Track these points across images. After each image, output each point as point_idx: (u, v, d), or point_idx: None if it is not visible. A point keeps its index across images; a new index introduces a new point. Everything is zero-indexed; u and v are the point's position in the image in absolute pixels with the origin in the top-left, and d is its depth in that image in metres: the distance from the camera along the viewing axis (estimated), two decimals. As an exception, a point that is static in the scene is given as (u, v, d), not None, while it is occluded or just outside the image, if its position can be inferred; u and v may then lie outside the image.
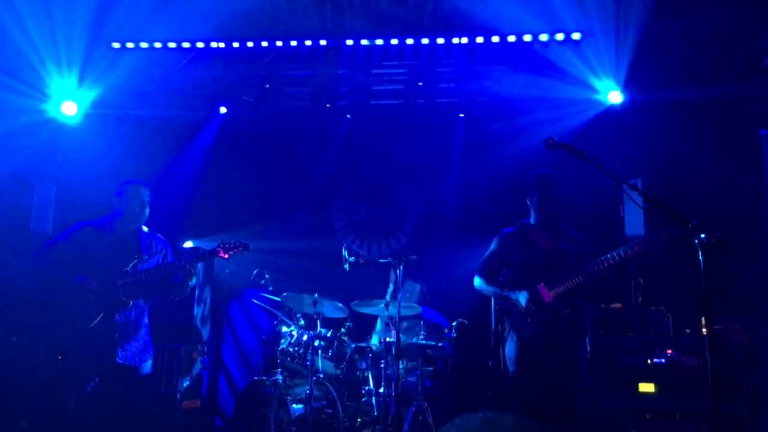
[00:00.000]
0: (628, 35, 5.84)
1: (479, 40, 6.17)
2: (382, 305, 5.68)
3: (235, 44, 6.38)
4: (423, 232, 7.58)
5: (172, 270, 4.52)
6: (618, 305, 5.66)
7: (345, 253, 5.56)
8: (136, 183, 4.66)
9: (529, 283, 4.32)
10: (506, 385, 4.51)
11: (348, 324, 6.11)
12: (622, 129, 6.28)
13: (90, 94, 6.51)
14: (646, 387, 5.03)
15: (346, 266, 5.51)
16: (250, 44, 6.38)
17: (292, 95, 7.13)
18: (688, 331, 5.24)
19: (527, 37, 6.07)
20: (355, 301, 5.93)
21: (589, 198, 5.94)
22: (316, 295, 5.73)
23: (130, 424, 4.33)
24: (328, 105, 6.98)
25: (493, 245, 4.66)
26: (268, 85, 6.92)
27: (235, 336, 7.39)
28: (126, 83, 6.42)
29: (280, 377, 5.65)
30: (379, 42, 6.32)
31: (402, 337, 5.31)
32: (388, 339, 5.60)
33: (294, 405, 5.59)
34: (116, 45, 6.27)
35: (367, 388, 5.84)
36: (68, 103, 6.49)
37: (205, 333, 6.67)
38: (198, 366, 6.24)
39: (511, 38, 6.10)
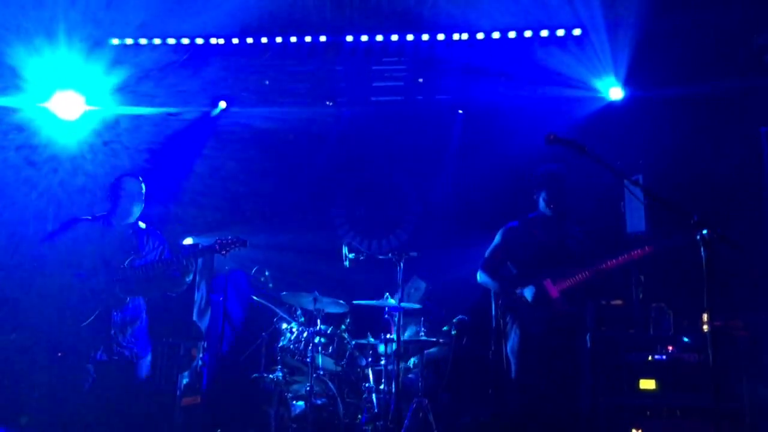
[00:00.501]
0: (628, 31, 5.83)
1: (480, 36, 6.15)
2: (383, 302, 5.67)
3: (235, 40, 6.37)
4: (423, 228, 7.57)
5: (169, 266, 4.50)
6: (619, 302, 5.65)
7: (345, 249, 5.55)
8: (129, 176, 4.64)
9: (534, 278, 4.30)
10: (507, 382, 4.50)
11: (348, 321, 6.10)
12: (623, 125, 6.27)
13: (89, 91, 6.48)
14: (647, 384, 5.02)
15: (346, 263, 5.51)
16: (249, 40, 6.36)
17: (291, 91, 7.12)
18: (685, 322, 5.23)
19: (528, 33, 6.06)
20: (356, 298, 5.92)
21: (590, 194, 5.93)
22: (316, 292, 5.73)
23: (129, 420, 4.32)
24: (328, 103, 6.96)
25: (497, 239, 4.65)
26: (267, 82, 6.91)
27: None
28: (126, 79, 6.39)
29: (281, 374, 5.65)
30: (380, 38, 6.31)
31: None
32: (388, 336, 5.60)
33: (294, 402, 5.59)
34: (115, 41, 6.25)
35: (367, 384, 5.83)
36: (69, 98, 6.46)
37: (203, 328, 6.65)
38: (198, 362, 6.23)
39: (512, 34, 6.09)
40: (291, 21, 6.27)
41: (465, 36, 6.17)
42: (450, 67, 6.69)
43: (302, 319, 6.00)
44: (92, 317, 4.28)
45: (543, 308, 4.25)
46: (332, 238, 7.60)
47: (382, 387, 5.62)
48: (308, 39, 6.36)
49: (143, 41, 6.30)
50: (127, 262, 4.43)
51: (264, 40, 6.39)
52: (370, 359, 5.96)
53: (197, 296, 6.46)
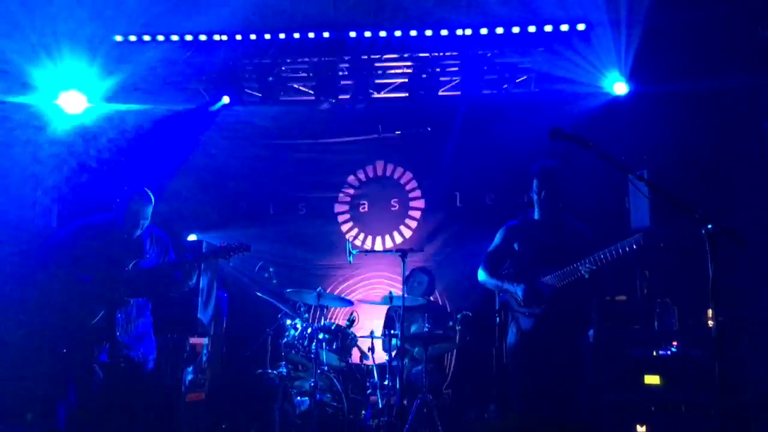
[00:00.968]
0: (633, 26, 5.81)
1: (483, 31, 6.14)
2: (387, 298, 5.68)
3: (238, 37, 6.37)
4: (428, 224, 7.56)
5: (173, 269, 4.51)
6: (623, 297, 5.64)
7: (349, 245, 5.56)
8: (141, 193, 4.55)
9: (530, 275, 4.30)
10: (508, 379, 4.50)
11: (352, 316, 6.10)
12: (627, 120, 6.25)
13: (93, 88, 6.49)
14: (652, 379, 5.01)
15: (350, 259, 5.51)
16: (253, 37, 6.36)
17: (294, 88, 7.12)
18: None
19: (531, 28, 6.05)
20: (360, 294, 5.93)
21: (595, 189, 5.92)
22: (319, 288, 5.73)
23: (135, 417, 4.33)
24: (332, 100, 6.95)
25: (497, 238, 4.64)
26: (271, 78, 6.91)
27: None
28: (130, 76, 6.40)
29: (285, 370, 5.66)
30: (383, 34, 6.30)
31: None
32: (392, 331, 5.60)
33: (298, 398, 5.60)
34: (119, 38, 6.26)
35: (371, 380, 5.84)
36: (72, 96, 6.47)
37: (207, 325, 6.67)
38: (202, 359, 6.24)
39: (515, 29, 6.08)
40: (294, 17, 6.27)
41: (468, 32, 6.15)
42: (453, 62, 6.68)
43: (306, 315, 6.00)
44: (97, 318, 4.29)
45: (536, 306, 4.24)
46: (336, 234, 7.61)
47: (386, 383, 5.63)
48: (311, 35, 6.36)
49: (147, 38, 6.30)
50: (131, 264, 4.44)
51: (267, 36, 6.39)
52: (374, 355, 5.97)
53: (202, 293, 6.47)
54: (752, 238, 2.99)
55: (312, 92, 7.07)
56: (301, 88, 7.14)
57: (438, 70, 6.78)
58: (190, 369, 5.94)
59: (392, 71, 6.93)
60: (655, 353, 5.06)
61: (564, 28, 5.99)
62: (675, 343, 5.07)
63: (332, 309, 6.77)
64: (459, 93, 6.83)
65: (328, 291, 5.82)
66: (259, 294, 6.24)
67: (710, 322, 4.98)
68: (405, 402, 5.18)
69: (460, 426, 5.79)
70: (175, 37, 6.34)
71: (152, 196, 4.58)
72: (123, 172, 5.80)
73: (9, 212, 6.18)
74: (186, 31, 6.33)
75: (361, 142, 7.57)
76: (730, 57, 5.83)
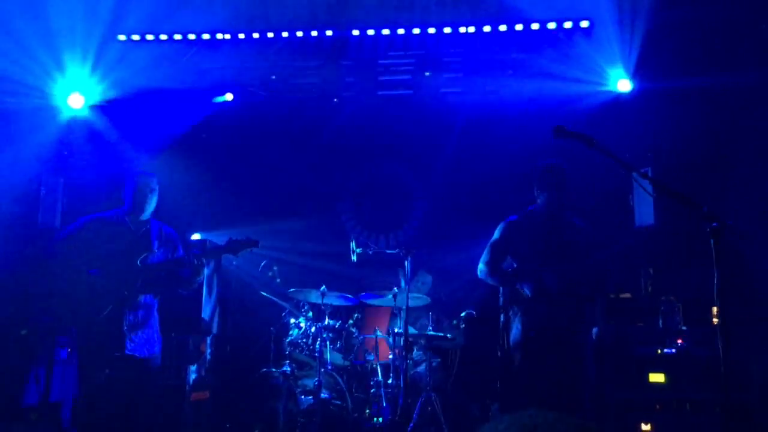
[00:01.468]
0: (637, 23, 5.78)
1: (486, 29, 6.12)
2: (391, 296, 5.67)
3: (241, 35, 6.36)
4: (431, 222, 7.56)
5: (181, 265, 4.52)
6: (628, 295, 5.63)
7: (352, 244, 5.56)
8: (142, 173, 4.66)
9: (534, 272, 4.29)
10: (511, 376, 4.49)
11: (356, 315, 6.10)
12: (632, 117, 6.23)
13: (96, 87, 6.49)
14: (656, 377, 5.00)
15: (354, 257, 5.51)
16: (256, 35, 6.35)
17: (298, 86, 7.11)
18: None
19: (535, 26, 6.02)
20: (364, 293, 5.92)
21: (599, 187, 5.90)
22: (323, 287, 5.73)
23: (139, 415, 4.34)
24: (335, 100, 6.94)
25: (497, 233, 4.63)
26: (274, 77, 6.90)
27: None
28: (133, 75, 6.40)
29: (289, 369, 5.66)
30: (386, 32, 6.28)
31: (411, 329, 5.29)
32: (396, 330, 5.60)
33: (303, 396, 5.60)
34: (122, 37, 6.26)
35: (375, 379, 5.84)
36: (75, 95, 6.48)
37: (213, 324, 6.68)
38: (207, 357, 6.25)
39: (519, 27, 6.06)
40: (297, 15, 6.26)
41: (472, 29, 6.13)
42: (457, 60, 6.66)
43: (310, 314, 6.00)
44: (105, 313, 4.30)
45: (542, 303, 4.24)
46: (339, 233, 7.60)
47: (390, 381, 5.62)
48: (314, 33, 6.35)
49: (150, 37, 6.30)
50: (139, 260, 4.45)
51: (270, 35, 6.38)
52: (378, 354, 5.97)
53: (205, 292, 6.48)
54: (758, 235, 2.98)
55: (315, 90, 7.05)
56: (304, 86, 7.12)
57: (441, 67, 6.76)
58: (194, 368, 5.95)
59: (395, 69, 6.91)
60: (659, 351, 5.05)
61: (568, 25, 5.96)
62: (680, 341, 5.06)
63: (336, 307, 6.76)
64: (463, 90, 6.82)
65: (331, 290, 5.81)
66: (263, 293, 6.25)
67: (715, 320, 4.97)
68: (409, 400, 5.18)
69: (464, 424, 5.79)
70: (178, 36, 6.33)
71: (155, 177, 4.64)
72: (126, 171, 5.79)
73: (11, 210, 6.19)
74: (189, 29, 6.32)
75: (364, 140, 7.55)
76: (734, 53, 5.80)
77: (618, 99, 6.27)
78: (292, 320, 6.00)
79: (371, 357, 6.00)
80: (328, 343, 5.77)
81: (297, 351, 5.87)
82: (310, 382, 5.69)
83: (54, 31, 5.94)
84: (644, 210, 5.82)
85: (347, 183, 7.87)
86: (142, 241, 4.53)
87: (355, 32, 6.30)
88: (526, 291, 4.27)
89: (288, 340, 5.88)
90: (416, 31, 6.24)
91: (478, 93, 6.76)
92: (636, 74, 6.10)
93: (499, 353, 5.39)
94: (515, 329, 4.43)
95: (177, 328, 5.67)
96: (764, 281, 5.15)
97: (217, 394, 6.17)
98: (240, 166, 7.50)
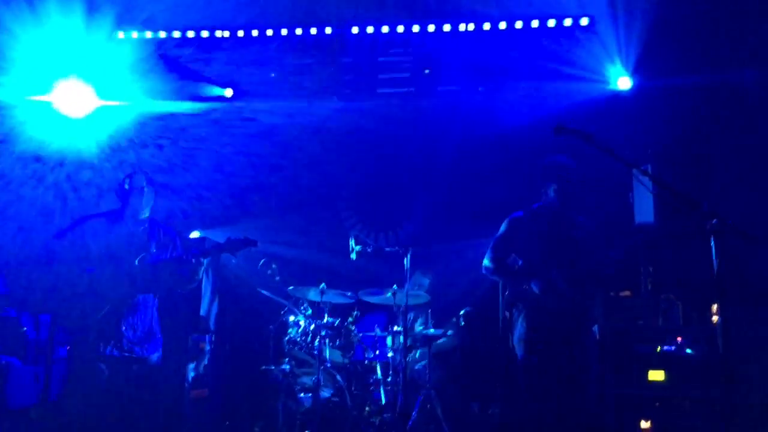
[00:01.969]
0: (636, 20, 5.77)
1: (486, 26, 6.11)
2: (390, 295, 5.67)
3: (240, 33, 6.34)
4: (430, 220, 7.55)
5: (180, 264, 4.51)
6: (627, 293, 5.62)
7: (352, 242, 5.55)
8: (139, 173, 4.64)
9: (541, 269, 4.29)
10: (514, 373, 4.48)
11: (355, 313, 6.10)
12: (631, 115, 6.22)
13: (94, 85, 6.48)
14: (656, 375, 5.00)
15: (353, 255, 5.50)
16: (254, 33, 6.34)
17: (297, 84, 7.09)
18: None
19: (535, 23, 6.01)
20: (363, 291, 5.92)
21: (599, 184, 5.89)
22: (323, 285, 5.73)
23: (139, 414, 4.33)
24: (334, 96, 6.93)
25: (502, 229, 4.62)
26: (273, 74, 6.89)
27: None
28: (131, 72, 6.39)
29: (288, 367, 5.66)
30: (385, 29, 6.27)
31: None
32: (396, 328, 5.60)
33: (302, 394, 5.60)
34: (121, 34, 6.24)
35: (374, 377, 5.84)
36: (74, 95, 6.46)
37: (212, 322, 6.68)
38: (206, 356, 6.25)
39: (518, 24, 6.05)
40: (296, 13, 6.24)
41: (471, 26, 6.13)
42: (456, 57, 6.65)
43: (309, 311, 6.00)
44: (103, 312, 4.29)
45: (550, 300, 4.23)
46: (339, 231, 7.59)
47: (389, 379, 5.62)
48: (313, 31, 6.33)
49: (149, 34, 6.29)
50: (137, 259, 4.44)
51: (269, 32, 6.37)
52: (377, 351, 5.96)
53: (204, 290, 6.48)
54: (758, 232, 2.97)
55: (314, 88, 7.04)
56: (303, 83, 7.11)
57: (441, 65, 6.75)
58: (193, 366, 5.95)
59: (395, 66, 6.90)
60: (659, 349, 5.05)
61: (567, 22, 5.95)
62: (679, 339, 5.06)
63: (335, 305, 6.75)
64: (462, 88, 6.80)
65: (331, 287, 5.81)
66: (262, 291, 6.24)
67: (715, 318, 4.97)
68: (408, 398, 5.18)
69: (463, 421, 5.79)
70: (177, 33, 6.32)
71: (153, 179, 4.62)
72: (125, 169, 5.78)
73: (9, 210, 6.18)
74: (188, 27, 6.30)
75: (363, 138, 7.54)
76: (734, 51, 5.79)
77: (618, 96, 6.26)
78: (292, 318, 5.99)
79: (370, 355, 6.00)
80: (327, 340, 5.77)
81: (296, 349, 5.87)
82: (309, 380, 5.69)
83: (53, 26, 5.92)
84: (644, 207, 5.80)
85: (346, 181, 7.86)
86: (139, 240, 4.53)
87: (355, 30, 6.29)
88: (534, 288, 4.27)
89: (287, 337, 5.88)
90: (416, 28, 6.23)
91: (478, 91, 6.75)
92: (636, 71, 6.09)
93: (499, 350, 5.40)
94: (520, 326, 4.42)
95: (176, 326, 5.66)
96: (765, 278, 5.15)
97: (217, 392, 6.18)
98: (238, 164, 7.48)
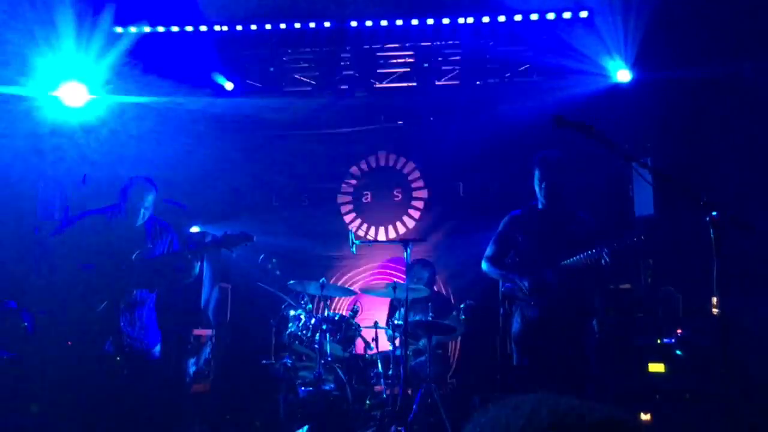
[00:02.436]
0: (636, 13, 5.76)
1: (485, 19, 6.11)
2: (390, 288, 5.67)
3: (239, 27, 6.34)
4: (432, 214, 7.55)
5: (177, 260, 4.51)
6: (627, 286, 5.63)
7: (352, 236, 5.55)
8: (142, 181, 4.57)
9: (535, 266, 4.29)
10: (514, 368, 4.50)
11: (356, 307, 6.11)
12: (631, 108, 6.22)
13: (94, 80, 6.47)
14: (656, 367, 5.00)
15: (353, 249, 5.50)
16: (254, 27, 6.33)
17: (296, 78, 7.09)
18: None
19: (534, 16, 6.01)
20: (364, 284, 5.93)
21: (599, 177, 5.90)
22: (323, 279, 5.73)
23: (139, 408, 4.34)
24: (331, 92, 6.93)
25: (500, 228, 4.63)
26: (272, 69, 6.88)
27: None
28: (130, 67, 6.38)
29: (289, 361, 5.67)
30: (384, 23, 6.26)
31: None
32: (396, 321, 5.60)
33: (303, 388, 5.61)
34: (119, 29, 6.23)
35: (375, 370, 5.85)
36: (73, 90, 6.46)
37: (212, 317, 6.69)
38: (207, 350, 6.26)
39: (518, 17, 6.05)
40: (295, 7, 6.23)
41: (470, 20, 6.12)
42: (455, 51, 6.64)
43: (309, 306, 6.01)
44: (101, 308, 4.30)
45: (542, 296, 4.24)
46: (339, 225, 7.60)
47: (390, 373, 5.63)
48: (312, 25, 6.32)
49: (147, 29, 6.28)
50: (135, 255, 4.44)
51: (268, 26, 6.36)
52: (378, 345, 5.97)
53: (205, 285, 6.48)
54: (757, 225, 2.97)
55: (314, 82, 7.04)
56: (302, 78, 7.11)
57: (440, 59, 6.74)
58: (194, 360, 5.96)
59: (394, 61, 6.89)
60: (659, 341, 5.05)
61: (567, 15, 5.95)
62: (679, 331, 5.07)
63: (336, 299, 6.78)
64: (462, 82, 6.79)
65: (331, 282, 5.82)
66: (262, 285, 6.25)
67: (714, 310, 4.97)
68: (409, 391, 5.18)
69: (464, 415, 5.79)
70: (175, 28, 6.31)
71: (154, 185, 4.58)
72: (125, 164, 5.79)
73: (10, 204, 6.18)
74: (186, 21, 6.29)
75: (363, 133, 7.54)
76: (734, 43, 5.78)
77: (617, 89, 6.26)
78: (292, 312, 5.99)
79: (371, 348, 6.01)
80: (327, 334, 5.77)
81: (297, 343, 5.87)
82: (309, 374, 5.70)
83: (53, 21, 5.91)
84: (644, 200, 5.81)
85: (346, 175, 7.85)
86: (137, 236, 4.52)
87: (353, 24, 6.28)
88: (525, 285, 4.27)
89: (288, 332, 5.88)
90: (415, 22, 6.22)
91: (477, 85, 6.74)
92: (635, 64, 6.09)
93: (498, 345, 5.41)
94: (515, 322, 4.43)
95: (177, 320, 5.68)
96: (764, 270, 5.16)
97: (218, 386, 6.18)
98: (237, 159, 7.48)
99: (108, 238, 4.44)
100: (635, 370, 5.02)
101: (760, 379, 4.74)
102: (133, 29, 6.26)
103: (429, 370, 5.39)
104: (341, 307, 7.21)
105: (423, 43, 6.60)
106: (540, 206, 4.54)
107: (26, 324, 5.49)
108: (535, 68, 6.68)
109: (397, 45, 6.69)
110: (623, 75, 6.17)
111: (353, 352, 5.97)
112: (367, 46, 6.64)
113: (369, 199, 7.76)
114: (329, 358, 5.72)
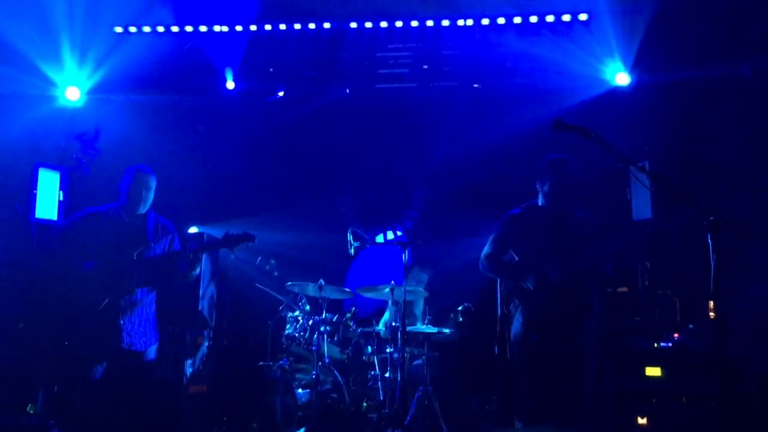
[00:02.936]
0: (636, 16, 5.77)
1: (485, 21, 6.11)
2: (388, 290, 5.67)
3: (238, 28, 6.33)
4: (429, 215, 7.55)
5: (177, 259, 4.51)
6: (625, 289, 5.63)
7: (350, 237, 5.55)
8: (140, 169, 4.62)
9: (536, 265, 4.29)
10: (512, 369, 4.50)
11: (353, 309, 6.11)
12: (629, 111, 6.22)
13: (93, 78, 6.47)
14: (653, 370, 5.00)
15: (351, 251, 5.50)
16: (253, 28, 6.33)
17: (296, 79, 7.09)
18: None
19: (533, 18, 6.01)
20: (362, 287, 5.92)
21: (596, 180, 5.89)
22: (321, 281, 5.73)
23: (136, 408, 4.34)
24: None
25: (498, 227, 4.64)
26: (272, 69, 6.88)
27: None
28: (129, 67, 6.38)
29: (286, 362, 5.66)
30: (384, 24, 6.26)
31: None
32: (394, 324, 5.60)
33: (300, 390, 5.60)
34: (119, 29, 6.23)
35: (372, 372, 5.84)
36: (71, 88, 6.46)
37: (210, 318, 6.68)
38: (204, 351, 6.25)
39: (517, 19, 6.05)
40: (294, 8, 6.23)
41: (470, 22, 6.12)
42: (455, 53, 6.64)
43: (307, 307, 6.00)
44: (101, 307, 4.29)
45: (545, 296, 4.24)
46: (338, 226, 7.60)
47: (387, 375, 5.62)
48: (312, 26, 6.32)
49: (147, 29, 6.27)
50: (136, 253, 4.43)
51: (268, 27, 6.36)
52: (375, 347, 5.97)
53: (202, 285, 6.47)
54: (755, 228, 2.97)
55: (313, 83, 7.03)
56: (302, 79, 7.10)
57: (439, 60, 6.74)
58: (191, 361, 5.95)
59: (394, 62, 6.89)
60: (656, 345, 5.05)
61: (566, 18, 5.95)
62: (676, 335, 5.06)
63: (333, 301, 6.75)
64: (462, 83, 6.79)
65: (329, 283, 5.81)
66: (260, 286, 6.24)
67: (712, 314, 4.97)
68: (406, 394, 5.18)
69: (461, 417, 5.79)
70: (175, 28, 6.31)
71: (152, 172, 4.61)
72: (124, 164, 5.78)
73: (10, 204, 6.17)
74: (186, 22, 6.29)
75: (362, 133, 7.54)
76: (733, 47, 5.79)
77: (616, 92, 6.26)
78: (290, 314, 6.00)
79: (368, 350, 6.00)
80: (325, 336, 5.77)
81: (294, 344, 5.87)
82: (307, 376, 5.70)
83: (53, 20, 5.91)
84: (641, 203, 5.81)
85: (345, 175, 7.86)
86: (138, 234, 4.52)
87: (353, 25, 6.28)
88: (528, 284, 4.27)
89: (285, 333, 5.88)
90: (414, 23, 6.22)
91: (476, 86, 6.74)
92: (634, 67, 6.10)
93: (497, 347, 5.41)
94: (516, 323, 4.43)
95: (174, 321, 5.67)
96: (761, 274, 5.16)
97: (215, 387, 6.17)
98: (238, 158, 7.48)
99: (108, 236, 4.44)
100: (632, 374, 5.01)
101: (757, 383, 4.74)
102: (132, 29, 6.25)
103: (426, 373, 5.39)
104: (339, 308, 7.20)
105: (423, 45, 6.60)
106: (540, 206, 4.56)
107: (22, 325, 5.48)
108: (533, 71, 6.68)
109: (396, 46, 6.69)
110: (622, 78, 6.18)
111: (351, 353, 5.97)
112: (367, 47, 6.64)
113: (368, 200, 7.76)
114: (327, 360, 5.72)
